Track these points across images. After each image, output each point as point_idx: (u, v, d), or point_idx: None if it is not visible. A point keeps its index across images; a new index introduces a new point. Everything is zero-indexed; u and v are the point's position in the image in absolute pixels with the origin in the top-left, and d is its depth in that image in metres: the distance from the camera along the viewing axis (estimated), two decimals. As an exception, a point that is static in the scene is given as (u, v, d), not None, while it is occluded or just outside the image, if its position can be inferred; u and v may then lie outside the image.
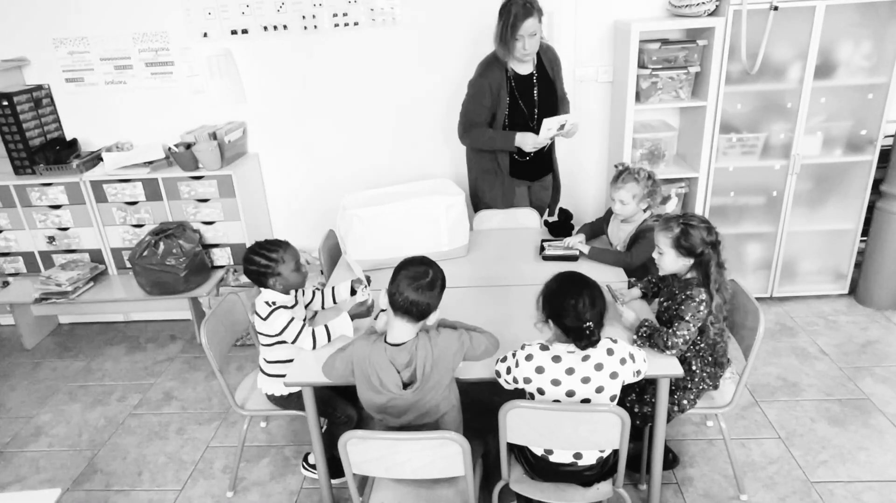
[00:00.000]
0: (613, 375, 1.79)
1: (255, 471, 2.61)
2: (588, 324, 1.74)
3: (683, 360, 2.17)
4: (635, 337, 2.08)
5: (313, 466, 2.52)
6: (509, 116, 2.97)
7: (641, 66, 3.19)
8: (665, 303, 2.22)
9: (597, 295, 1.78)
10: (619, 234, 2.70)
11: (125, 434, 2.89)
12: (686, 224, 2.04)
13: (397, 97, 3.61)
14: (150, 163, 3.52)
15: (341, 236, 2.87)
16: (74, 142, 3.68)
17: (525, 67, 2.96)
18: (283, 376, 2.20)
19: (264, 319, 2.20)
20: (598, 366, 1.78)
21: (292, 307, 2.27)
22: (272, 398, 2.36)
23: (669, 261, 2.12)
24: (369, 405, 1.93)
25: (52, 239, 3.64)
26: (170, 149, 3.47)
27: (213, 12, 3.48)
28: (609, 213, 2.77)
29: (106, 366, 3.45)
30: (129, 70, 3.62)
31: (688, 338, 2.02)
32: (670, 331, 2.02)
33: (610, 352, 1.79)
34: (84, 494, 2.55)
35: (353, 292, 2.40)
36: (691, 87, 3.25)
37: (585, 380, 1.78)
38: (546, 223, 3.11)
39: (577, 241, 2.72)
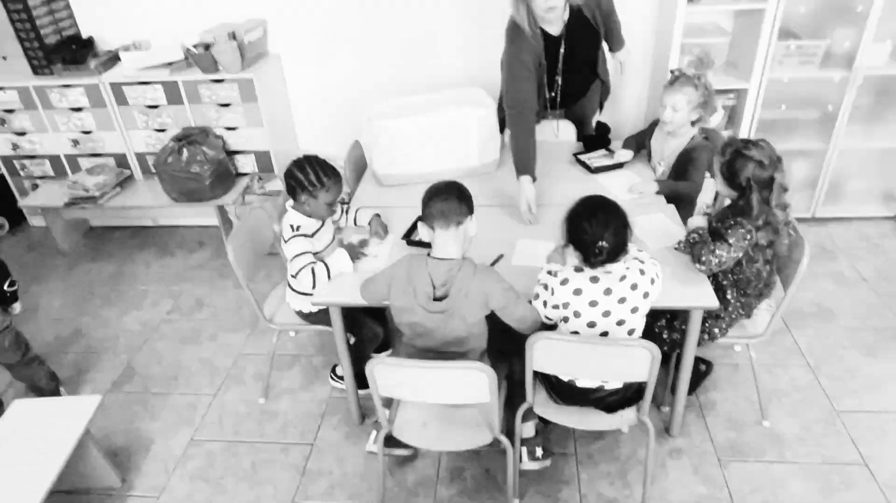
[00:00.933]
0: (646, 295, 1.77)
1: (286, 379, 2.69)
2: (600, 243, 1.70)
3: (718, 288, 2.11)
4: (683, 240, 2.08)
5: (341, 377, 2.59)
6: (550, 75, 2.65)
7: (697, -39, 2.89)
8: (715, 224, 2.14)
9: (612, 216, 1.73)
10: (663, 149, 2.57)
11: (159, 339, 2.99)
12: (738, 152, 1.93)
13: (429, 2, 3.35)
14: (170, 64, 3.39)
15: (367, 147, 2.77)
16: (91, 40, 3.54)
17: (554, 27, 2.55)
18: (311, 294, 2.22)
19: (286, 241, 2.18)
20: (634, 286, 1.76)
21: (314, 234, 2.23)
22: (300, 314, 2.38)
23: (719, 183, 2.07)
24: (399, 319, 1.94)
25: (76, 142, 3.60)
26: (188, 49, 3.33)
27: None
28: (653, 125, 2.62)
29: (138, 270, 3.52)
30: (140, -39, 3.41)
31: (723, 260, 1.97)
32: (711, 247, 1.97)
33: (642, 272, 1.78)
34: (124, 396, 2.68)
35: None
36: (751, -14, 2.96)
37: (622, 301, 1.75)
38: (582, 137, 2.96)
39: (645, 186, 2.49)
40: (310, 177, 2.15)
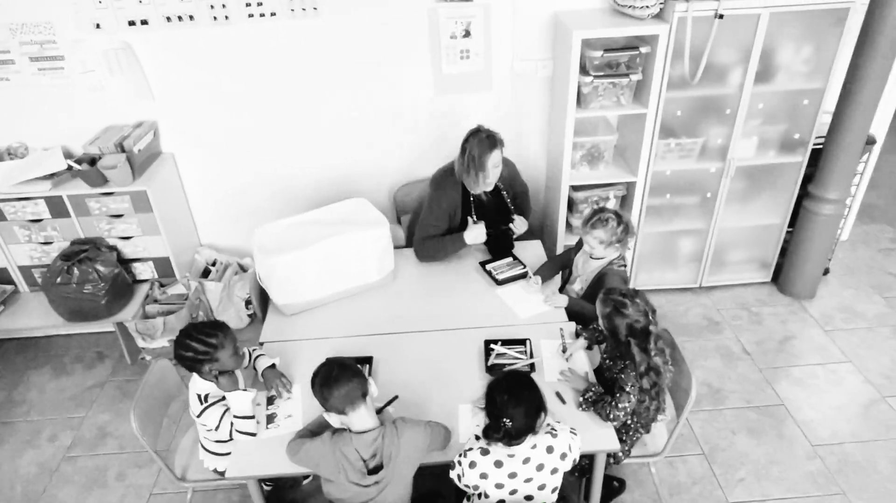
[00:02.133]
0: (554, 471, 1.86)
1: (204, 522, 2.62)
2: (504, 420, 1.78)
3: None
4: (581, 399, 2.17)
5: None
6: (460, 228, 2.94)
7: (583, 70, 3.05)
8: (608, 362, 2.28)
9: (528, 398, 1.81)
10: (585, 269, 2.73)
11: (61, 483, 2.81)
12: (616, 307, 2.07)
13: (322, 92, 3.35)
14: (52, 176, 3.19)
15: (263, 279, 2.71)
16: (-43, 151, 3.27)
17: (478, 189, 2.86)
18: (228, 454, 2.19)
19: (198, 416, 2.13)
20: (540, 467, 1.84)
21: (224, 398, 2.19)
22: (216, 471, 2.32)
23: (601, 321, 2.19)
24: (327, 490, 1.95)
25: (-53, 260, 3.32)
26: (70, 167, 3.14)
27: (105, 1, 3.05)
28: (580, 243, 2.75)
29: (30, 395, 3.28)
30: (11, 65, 3.18)
31: (629, 409, 2.11)
32: (613, 402, 2.10)
33: (550, 449, 1.85)
34: (25, 562, 2.51)
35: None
36: (633, 93, 3.16)
37: (528, 481, 1.84)
38: (488, 243, 3.05)
39: (557, 300, 2.65)
40: (200, 346, 2.08)
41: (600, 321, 2.16)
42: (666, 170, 3.34)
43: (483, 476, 1.83)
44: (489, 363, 2.37)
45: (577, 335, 2.47)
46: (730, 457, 2.80)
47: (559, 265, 2.90)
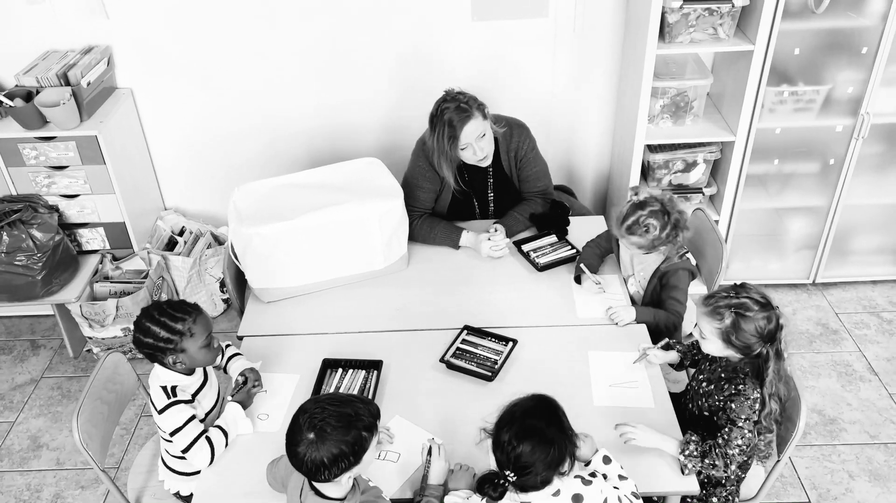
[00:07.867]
0: None
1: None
2: (505, 478, 1.76)
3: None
4: (682, 458, 2.07)
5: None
6: (451, 207, 3.05)
7: (670, -8, 3.00)
8: (706, 387, 2.25)
9: (549, 439, 1.76)
10: (634, 262, 2.70)
11: (-17, 506, 2.91)
12: (738, 312, 2.03)
13: (327, 16, 3.35)
14: (-24, 114, 3.25)
15: (238, 255, 2.74)
16: None
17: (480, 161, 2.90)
18: (195, 473, 2.23)
19: (159, 412, 2.17)
20: None
21: (195, 396, 2.23)
22: (179, 496, 2.38)
23: (714, 349, 2.14)
24: None
25: None
26: (1, 102, 3.19)
27: None
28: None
29: (-53, 393, 3.39)
30: (-72, -30, 3.22)
31: (744, 446, 2.07)
32: (723, 442, 2.06)
33: (577, 499, 1.81)
34: None
35: (246, 380, 2.37)
36: (735, 22, 3.10)
37: None
38: (532, 216, 3.04)
39: (622, 314, 2.57)
40: (163, 332, 2.11)
41: (715, 338, 2.10)
42: (776, 127, 3.30)
43: None
44: (445, 356, 2.43)
45: (669, 347, 2.43)
46: (845, 508, 2.78)
47: (603, 250, 2.85)
